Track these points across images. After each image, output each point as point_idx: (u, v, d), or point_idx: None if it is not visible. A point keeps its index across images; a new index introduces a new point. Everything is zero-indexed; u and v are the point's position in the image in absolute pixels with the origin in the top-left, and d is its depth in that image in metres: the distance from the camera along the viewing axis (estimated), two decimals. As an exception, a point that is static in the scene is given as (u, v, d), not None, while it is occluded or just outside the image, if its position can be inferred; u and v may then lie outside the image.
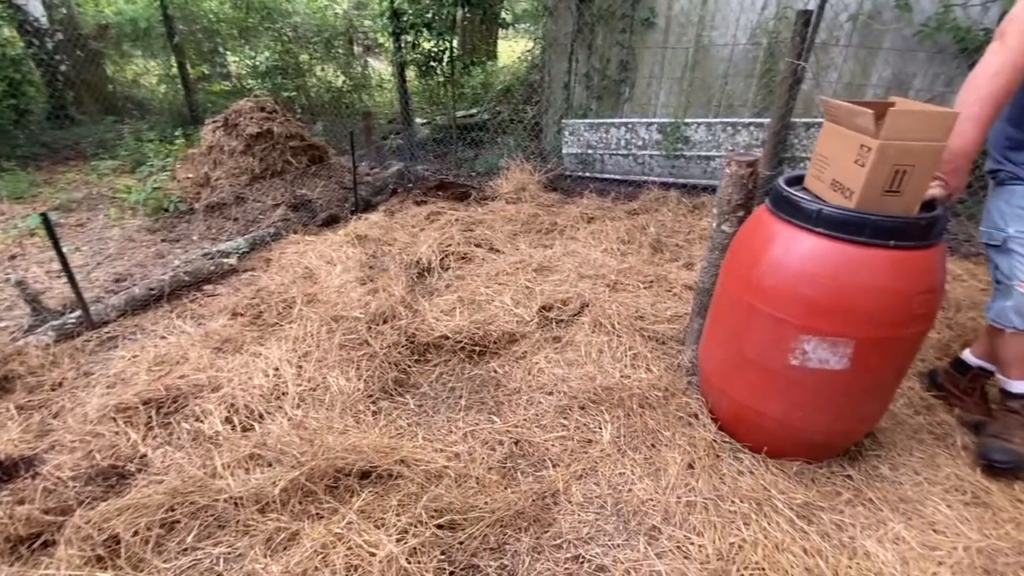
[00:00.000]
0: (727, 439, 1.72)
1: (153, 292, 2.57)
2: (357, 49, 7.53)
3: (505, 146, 4.78)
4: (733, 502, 1.49)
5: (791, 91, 3.28)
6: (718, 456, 1.66)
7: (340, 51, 6.27)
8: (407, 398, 1.94)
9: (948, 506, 1.51)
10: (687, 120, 3.85)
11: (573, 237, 3.26)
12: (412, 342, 2.15)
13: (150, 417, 1.75)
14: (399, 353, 2.08)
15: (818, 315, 1.36)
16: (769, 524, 1.42)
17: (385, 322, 2.18)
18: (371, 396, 1.87)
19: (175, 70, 5.92)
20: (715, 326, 1.71)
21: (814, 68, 3.57)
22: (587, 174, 4.37)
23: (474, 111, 6.27)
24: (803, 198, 1.40)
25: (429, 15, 4.48)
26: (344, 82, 6.32)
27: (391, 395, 1.95)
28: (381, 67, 7.35)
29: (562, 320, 2.36)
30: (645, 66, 4.32)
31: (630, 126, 4.00)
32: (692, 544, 1.39)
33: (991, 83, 1.30)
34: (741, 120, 3.75)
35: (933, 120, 1.22)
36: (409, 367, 2.08)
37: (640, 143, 4.03)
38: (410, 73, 5.27)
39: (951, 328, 2.30)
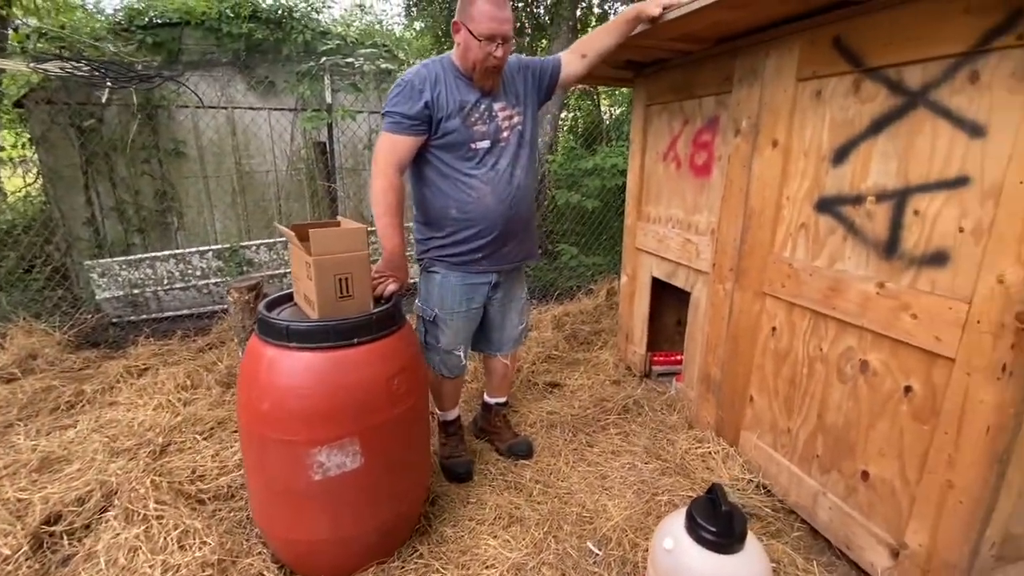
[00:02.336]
0: (299, 583, 1.54)
1: None
2: None
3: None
4: (301, 663, 1.30)
5: (332, 208, 3.65)
6: (288, 611, 1.45)
7: None
8: None
9: (494, 537, 1.75)
10: (245, 243, 3.75)
11: (112, 402, 2.57)
12: None
13: None
14: None
15: (318, 425, 1.38)
16: (339, 665, 1.29)
17: None
18: None
19: None
20: (246, 466, 1.54)
21: (349, 188, 4.11)
22: (142, 316, 3.66)
23: (-46, 265, 4.48)
24: (273, 318, 1.43)
25: None
26: None
27: None
28: None
29: (75, 530, 1.73)
30: (189, 195, 4.05)
31: (180, 257, 3.60)
32: None
33: (386, 198, 1.67)
34: (301, 236, 3.92)
35: (348, 236, 1.43)
36: None
37: (199, 272, 3.67)
38: None
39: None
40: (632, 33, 1.93)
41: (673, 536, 1.23)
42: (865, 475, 1.58)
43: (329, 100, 3.72)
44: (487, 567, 1.62)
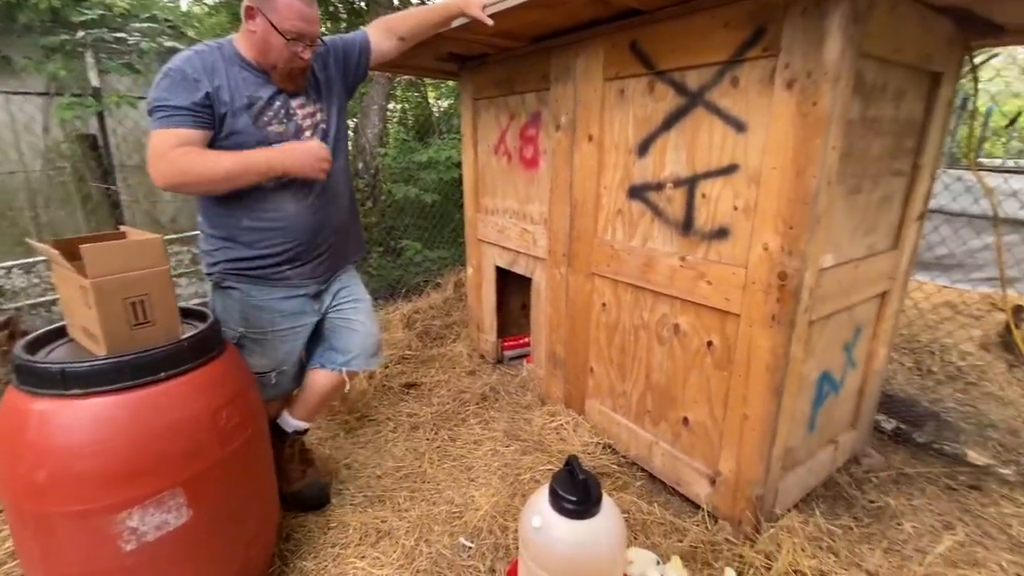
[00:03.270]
0: None
1: None
2: None
3: None
4: None
5: (114, 215, 3.00)
6: None
7: None
8: None
9: (362, 557, 1.64)
10: (-12, 267, 2.88)
11: None
12: None
13: None
14: None
15: (123, 485, 1.12)
16: None
17: None
18: None
19: None
20: (22, 555, 1.20)
21: (137, 191, 3.43)
22: None
23: None
24: (39, 362, 1.12)
25: None
26: None
27: None
28: None
29: None
30: None
31: None
32: None
33: (203, 159, 1.36)
34: (75, 252, 3.16)
35: (138, 249, 1.19)
36: None
37: (-86, 312, 2.72)
38: None
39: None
40: (452, 25, 1.92)
41: (539, 513, 1.28)
42: (686, 421, 1.85)
43: (96, 83, 3.02)
44: (357, 592, 1.52)
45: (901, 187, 1.75)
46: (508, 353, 3.02)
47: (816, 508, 1.79)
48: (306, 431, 1.94)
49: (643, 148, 1.80)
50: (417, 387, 2.73)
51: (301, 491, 1.83)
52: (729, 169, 1.54)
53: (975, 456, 2.09)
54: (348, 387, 1.91)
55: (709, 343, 1.71)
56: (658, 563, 1.51)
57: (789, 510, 1.75)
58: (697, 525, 1.74)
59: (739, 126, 1.49)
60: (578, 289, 2.18)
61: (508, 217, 2.61)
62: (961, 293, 3.87)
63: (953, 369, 2.90)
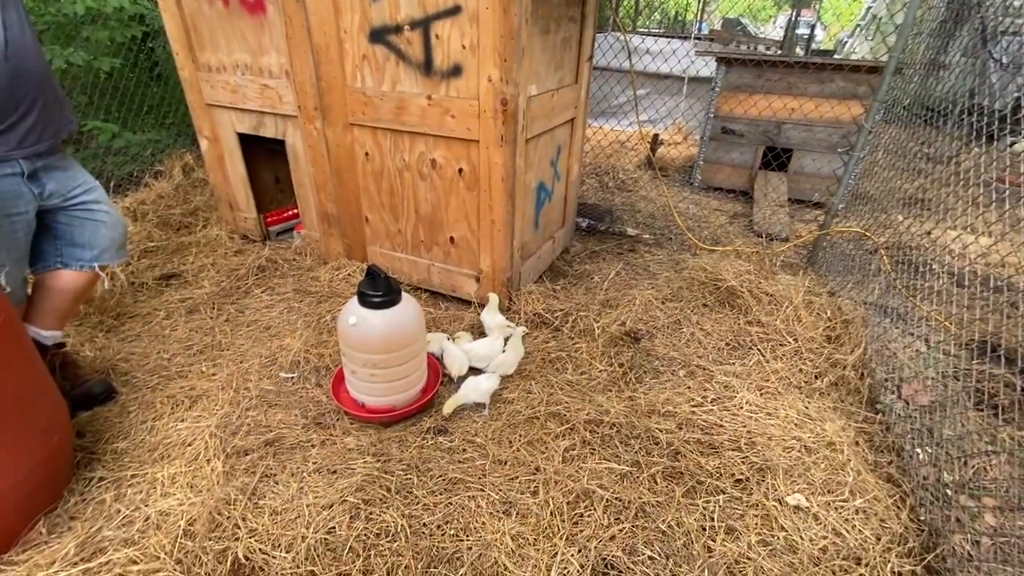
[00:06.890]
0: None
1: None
2: None
3: None
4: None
5: None
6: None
7: None
8: None
9: (182, 420, 1.69)
10: None
11: None
12: None
13: None
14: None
15: None
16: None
17: None
18: None
19: None
20: None
21: None
22: None
23: None
24: None
25: None
26: None
27: None
28: None
29: None
30: None
31: None
32: None
33: None
34: None
35: None
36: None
37: None
38: None
39: None
40: None
41: (353, 313, 1.56)
42: (452, 240, 2.28)
43: None
44: (188, 444, 1.61)
45: (576, 32, 2.31)
46: (274, 228, 2.95)
47: (545, 281, 2.53)
48: (64, 344, 1.74)
49: (376, -10, 1.90)
50: (178, 276, 2.52)
51: (83, 392, 1.71)
52: (455, 10, 1.80)
53: (631, 231, 3.15)
54: (107, 283, 1.74)
55: (460, 170, 2.10)
56: (448, 338, 2.00)
57: (529, 286, 2.43)
58: (470, 312, 2.29)
59: (457, -31, 1.74)
60: (338, 142, 2.27)
61: (241, 73, 2.40)
62: (627, 132, 5.21)
63: (621, 183, 4.07)
